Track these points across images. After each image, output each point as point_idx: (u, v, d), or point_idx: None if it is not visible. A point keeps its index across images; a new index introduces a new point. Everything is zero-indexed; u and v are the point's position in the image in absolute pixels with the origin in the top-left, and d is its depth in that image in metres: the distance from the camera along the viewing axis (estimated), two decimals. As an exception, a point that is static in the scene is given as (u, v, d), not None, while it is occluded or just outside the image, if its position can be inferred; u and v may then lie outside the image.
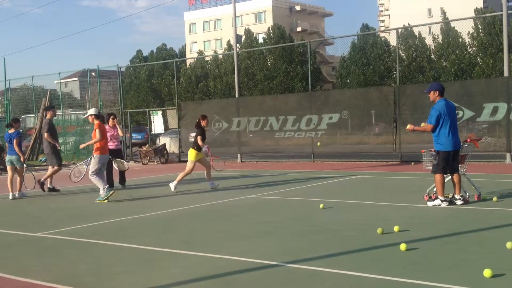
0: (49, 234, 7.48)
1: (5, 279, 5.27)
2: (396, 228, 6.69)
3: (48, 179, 12.88)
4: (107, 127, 12.67)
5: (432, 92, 8.67)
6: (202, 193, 11.67)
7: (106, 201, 10.59)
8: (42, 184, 12.64)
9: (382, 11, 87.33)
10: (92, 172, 10.87)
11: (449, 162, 8.50)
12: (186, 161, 22.18)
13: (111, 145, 12.73)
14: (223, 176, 15.29)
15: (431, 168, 8.77)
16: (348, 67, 44.85)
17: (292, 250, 5.98)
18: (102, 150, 10.98)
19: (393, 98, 18.09)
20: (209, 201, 10.24)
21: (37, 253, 6.40)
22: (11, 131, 12.08)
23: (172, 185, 11.84)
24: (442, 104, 8.53)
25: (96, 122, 11.10)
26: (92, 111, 11.37)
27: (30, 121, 29.50)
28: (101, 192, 10.72)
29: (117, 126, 13.36)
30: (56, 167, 12.89)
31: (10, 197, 11.76)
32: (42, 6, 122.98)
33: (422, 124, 8.83)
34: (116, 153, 13.01)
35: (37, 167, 12.71)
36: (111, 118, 13.27)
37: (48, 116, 13.49)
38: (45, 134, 12.84)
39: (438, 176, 8.49)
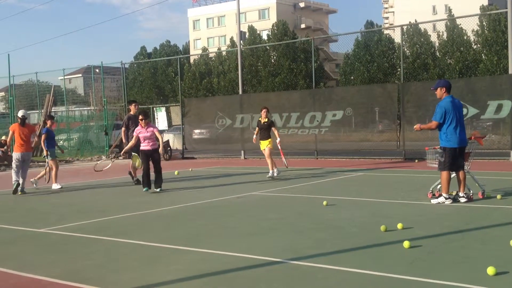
0: (53, 230, 7.52)
1: (9, 275, 5.30)
2: (399, 226, 6.69)
3: (133, 171, 13.18)
4: (139, 127, 11.72)
5: (439, 89, 8.63)
6: (205, 190, 11.69)
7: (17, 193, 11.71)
8: (130, 174, 13.26)
9: (386, 8, 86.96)
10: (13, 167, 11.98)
11: (455, 159, 8.48)
12: (189, 158, 22.43)
13: (146, 145, 11.57)
14: (226, 174, 15.31)
15: (435, 165, 8.75)
16: (352, 64, 44.69)
17: (295, 247, 5.98)
18: (14, 148, 11.90)
19: (397, 95, 18.05)
20: (213, 197, 10.26)
21: (41, 249, 6.44)
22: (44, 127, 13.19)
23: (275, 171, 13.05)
24: (448, 101, 8.50)
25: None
26: (18, 113, 12.22)
27: (34, 117, 29.57)
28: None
29: (152, 127, 11.74)
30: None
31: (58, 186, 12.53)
32: (46, 2, 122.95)
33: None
34: (152, 154, 11.58)
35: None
36: (139, 118, 11.72)
37: (131, 111, 13.48)
38: (122, 129, 13.30)
39: (444, 173, 8.46)
